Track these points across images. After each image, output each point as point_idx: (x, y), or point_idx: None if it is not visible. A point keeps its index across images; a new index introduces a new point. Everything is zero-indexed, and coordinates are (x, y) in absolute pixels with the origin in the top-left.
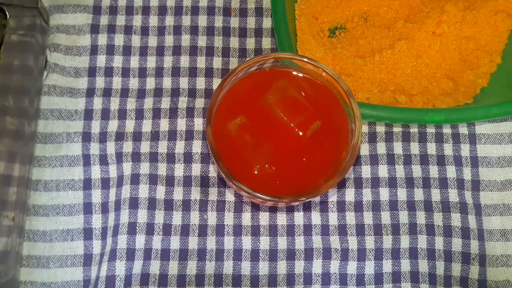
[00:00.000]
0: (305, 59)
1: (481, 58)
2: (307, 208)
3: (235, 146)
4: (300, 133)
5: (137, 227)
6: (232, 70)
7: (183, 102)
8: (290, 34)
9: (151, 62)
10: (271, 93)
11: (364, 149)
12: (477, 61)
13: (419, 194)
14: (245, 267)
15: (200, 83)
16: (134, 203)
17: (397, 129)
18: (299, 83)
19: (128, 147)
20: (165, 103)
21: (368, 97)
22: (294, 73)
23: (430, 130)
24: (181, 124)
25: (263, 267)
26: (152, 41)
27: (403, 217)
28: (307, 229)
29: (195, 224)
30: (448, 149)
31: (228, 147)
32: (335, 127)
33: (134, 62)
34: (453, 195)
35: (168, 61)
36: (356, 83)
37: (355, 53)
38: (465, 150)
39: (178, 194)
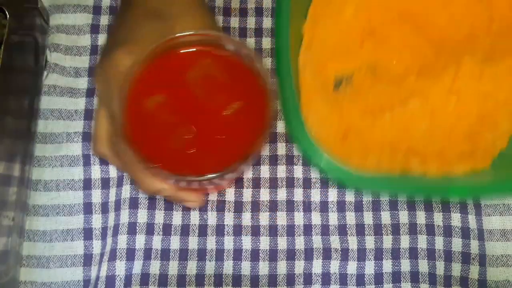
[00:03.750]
0: (211, 33)
1: (500, 116)
2: (307, 208)
3: (151, 126)
4: (220, 113)
5: (137, 227)
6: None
7: None
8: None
9: None
10: (191, 73)
11: None
12: (495, 120)
13: None
14: (245, 267)
15: None
16: (134, 203)
17: None
18: (220, 62)
19: None
20: None
21: (378, 160)
22: (215, 52)
23: None
24: None
25: (263, 267)
26: None
27: (403, 217)
28: (307, 229)
29: (195, 224)
30: None
31: (143, 127)
32: (256, 106)
33: None
34: None
35: None
36: (365, 143)
37: (363, 109)
38: None
39: None
